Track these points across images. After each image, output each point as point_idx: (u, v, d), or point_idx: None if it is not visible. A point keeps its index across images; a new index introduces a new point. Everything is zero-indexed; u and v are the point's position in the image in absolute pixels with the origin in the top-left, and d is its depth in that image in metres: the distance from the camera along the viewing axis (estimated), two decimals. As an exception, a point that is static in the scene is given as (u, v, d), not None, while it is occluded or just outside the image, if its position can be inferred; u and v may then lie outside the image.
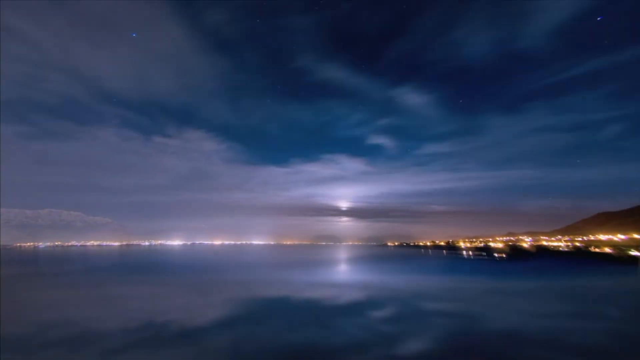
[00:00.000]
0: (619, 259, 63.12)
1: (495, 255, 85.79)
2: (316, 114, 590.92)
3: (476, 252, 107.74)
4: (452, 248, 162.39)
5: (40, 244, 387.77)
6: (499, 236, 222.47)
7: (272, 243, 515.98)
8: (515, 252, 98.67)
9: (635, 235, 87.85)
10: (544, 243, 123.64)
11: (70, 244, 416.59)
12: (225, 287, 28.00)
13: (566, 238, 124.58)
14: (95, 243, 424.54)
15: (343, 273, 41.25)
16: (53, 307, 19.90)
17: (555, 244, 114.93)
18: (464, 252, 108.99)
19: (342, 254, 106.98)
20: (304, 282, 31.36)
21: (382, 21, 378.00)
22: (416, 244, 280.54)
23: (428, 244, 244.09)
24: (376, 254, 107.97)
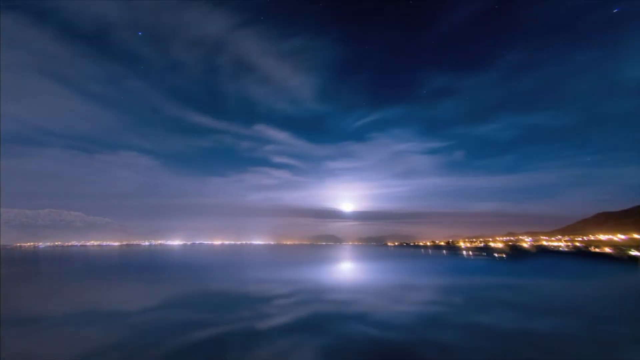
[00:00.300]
0: (619, 259, 63.03)
1: (496, 255, 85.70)
2: (212, 143, 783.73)
3: (476, 252, 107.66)
4: (452, 248, 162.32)
5: (40, 244, 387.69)
6: (499, 236, 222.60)
7: (272, 243, 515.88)
8: (515, 252, 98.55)
9: (635, 235, 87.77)
10: (544, 243, 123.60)
11: (70, 244, 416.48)
12: (183, 283, 30.66)
13: (566, 238, 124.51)
14: (96, 243, 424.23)
15: (296, 271, 43.32)
16: (23, 298, 22.69)
17: (555, 244, 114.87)
18: (464, 252, 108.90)
19: (328, 253, 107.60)
20: (253, 278, 34.49)
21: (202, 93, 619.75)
22: (416, 244, 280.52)
23: (428, 244, 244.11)
24: (364, 253, 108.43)
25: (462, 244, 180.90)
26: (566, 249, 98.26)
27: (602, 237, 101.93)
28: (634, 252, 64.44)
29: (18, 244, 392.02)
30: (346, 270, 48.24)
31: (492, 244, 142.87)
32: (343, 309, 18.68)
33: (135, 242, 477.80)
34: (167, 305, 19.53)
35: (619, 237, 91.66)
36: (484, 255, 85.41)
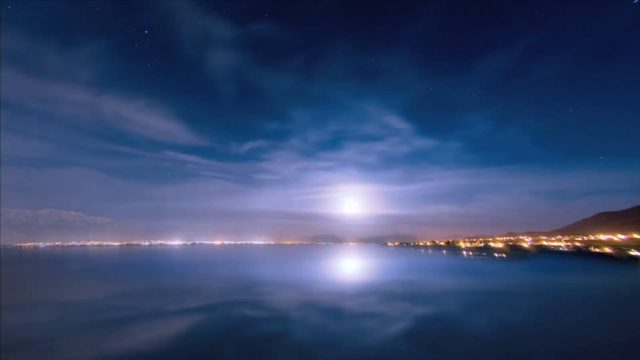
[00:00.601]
0: (619, 259, 62.86)
1: (496, 255, 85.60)
2: (140, 162, 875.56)
3: (476, 252, 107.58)
4: (452, 248, 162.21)
5: (40, 244, 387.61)
6: (499, 236, 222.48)
7: (272, 243, 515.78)
8: (515, 252, 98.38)
9: (635, 235, 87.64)
10: (544, 243, 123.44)
11: (70, 244, 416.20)
12: (146, 279, 33.83)
13: (566, 238, 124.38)
14: (96, 243, 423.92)
15: (255, 269, 46.44)
16: (10, 293, 25.07)
17: (555, 244, 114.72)
18: (464, 252, 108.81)
19: (317, 253, 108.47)
20: (210, 274, 38.35)
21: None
22: (417, 243, 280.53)
23: (428, 243, 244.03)
24: (353, 253, 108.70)
25: (462, 244, 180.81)
26: (566, 249, 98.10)
27: (602, 237, 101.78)
28: (634, 252, 64.26)
29: (18, 244, 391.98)
30: (304, 267, 49.70)
31: (492, 244, 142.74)
32: (252, 298, 21.58)
33: (135, 242, 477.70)
34: (113, 296, 22.65)
35: (619, 237, 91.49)
36: (484, 255, 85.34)
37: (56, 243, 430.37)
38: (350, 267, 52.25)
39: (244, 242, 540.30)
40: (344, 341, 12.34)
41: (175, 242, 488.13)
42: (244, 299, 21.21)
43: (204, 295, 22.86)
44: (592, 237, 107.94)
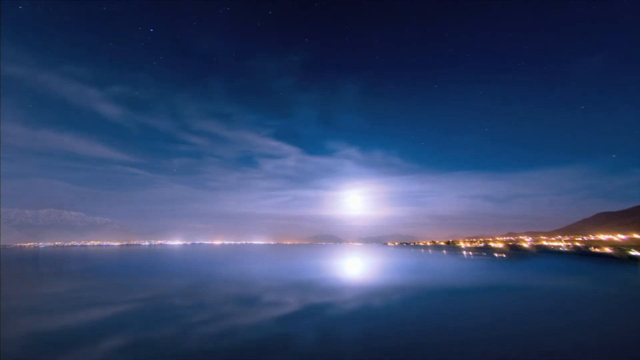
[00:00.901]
0: (619, 259, 62.77)
1: (495, 255, 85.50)
2: (108, 174, 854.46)
3: (476, 252, 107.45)
4: (452, 248, 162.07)
5: (41, 244, 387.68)
6: (499, 236, 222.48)
7: (272, 243, 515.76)
8: (515, 252, 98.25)
9: (635, 235, 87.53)
10: (544, 243, 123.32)
11: (70, 244, 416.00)
12: (121, 277, 35.35)
13: (566, 238, 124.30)
14: (96, 243, 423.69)
15: (225, 267, 48.88)
16: None
17: (556, 244, 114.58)
18: (464, 252, 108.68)
19: (307, 253, 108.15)
20: (177, 273, 40.54)
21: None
22: (417, 243, 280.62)
23: (428, 243, 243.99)
24: (342, 252, 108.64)
25: (462, 244, 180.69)
26: (566, 249, 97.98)
27: (602, 237, 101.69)
28: (634, 252, 64.17)
29: (18, 244, 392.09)
30: (273, 266, 50.44)
31: (492, 244, 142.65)
32: (193, 291, 23.93)
33: (135, 242, 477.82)
34: (82, 290, 25.19)
35: (619, 237, 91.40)
36: (484, 255, 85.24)
37: (56, 243, 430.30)
38: (313, 266, 51.60)
39: (244, 242, 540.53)
40: (229, 320, 15.05)
41: (176, 242, 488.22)
42: (186, 292, 23.66)
43: (157, 289, 25.11)
44: (592, 237, 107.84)
